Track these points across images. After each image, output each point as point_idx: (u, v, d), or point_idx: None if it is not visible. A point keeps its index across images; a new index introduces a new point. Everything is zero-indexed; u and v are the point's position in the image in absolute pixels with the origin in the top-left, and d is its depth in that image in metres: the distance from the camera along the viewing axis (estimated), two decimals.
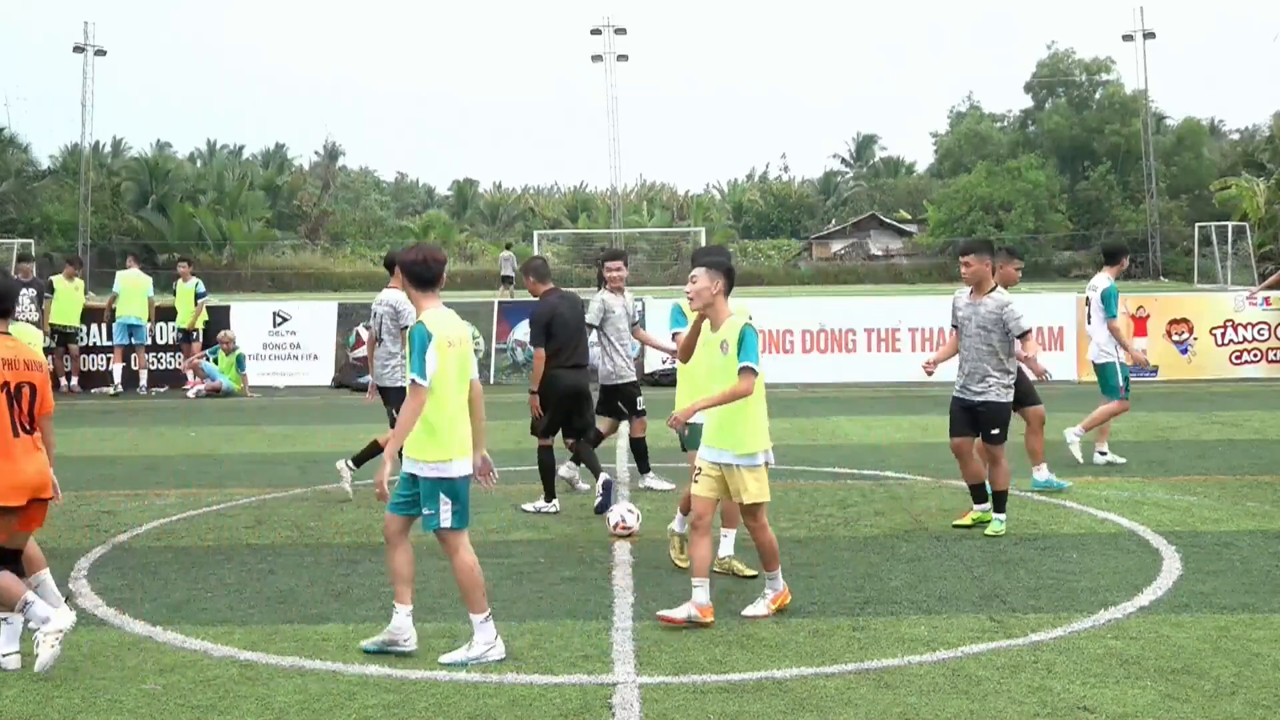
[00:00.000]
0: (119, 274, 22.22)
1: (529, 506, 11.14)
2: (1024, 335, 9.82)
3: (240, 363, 21.76)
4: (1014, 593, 8.14)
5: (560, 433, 11.24)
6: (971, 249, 10.18)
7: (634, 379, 12.07)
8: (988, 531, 9.84)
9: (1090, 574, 8.57)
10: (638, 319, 12.35)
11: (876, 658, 6.85)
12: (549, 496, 11.16)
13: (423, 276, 7.03)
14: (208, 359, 21.59)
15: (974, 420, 9.97)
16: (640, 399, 11.99)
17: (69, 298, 21.74)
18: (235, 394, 21.24)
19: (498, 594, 8.19)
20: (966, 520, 10.09)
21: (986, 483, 10.09)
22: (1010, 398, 10.01)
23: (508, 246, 62.94)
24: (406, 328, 10.83)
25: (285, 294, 60.70)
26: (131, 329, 21.55)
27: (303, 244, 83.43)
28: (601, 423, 11.83)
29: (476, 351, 22.48)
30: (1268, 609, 7.71)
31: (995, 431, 9.93)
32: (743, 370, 7.51)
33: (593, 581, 8.54)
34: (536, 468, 11.16)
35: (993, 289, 9.95)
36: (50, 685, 6.51)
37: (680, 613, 7.39)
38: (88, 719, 6.09)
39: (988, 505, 10.04)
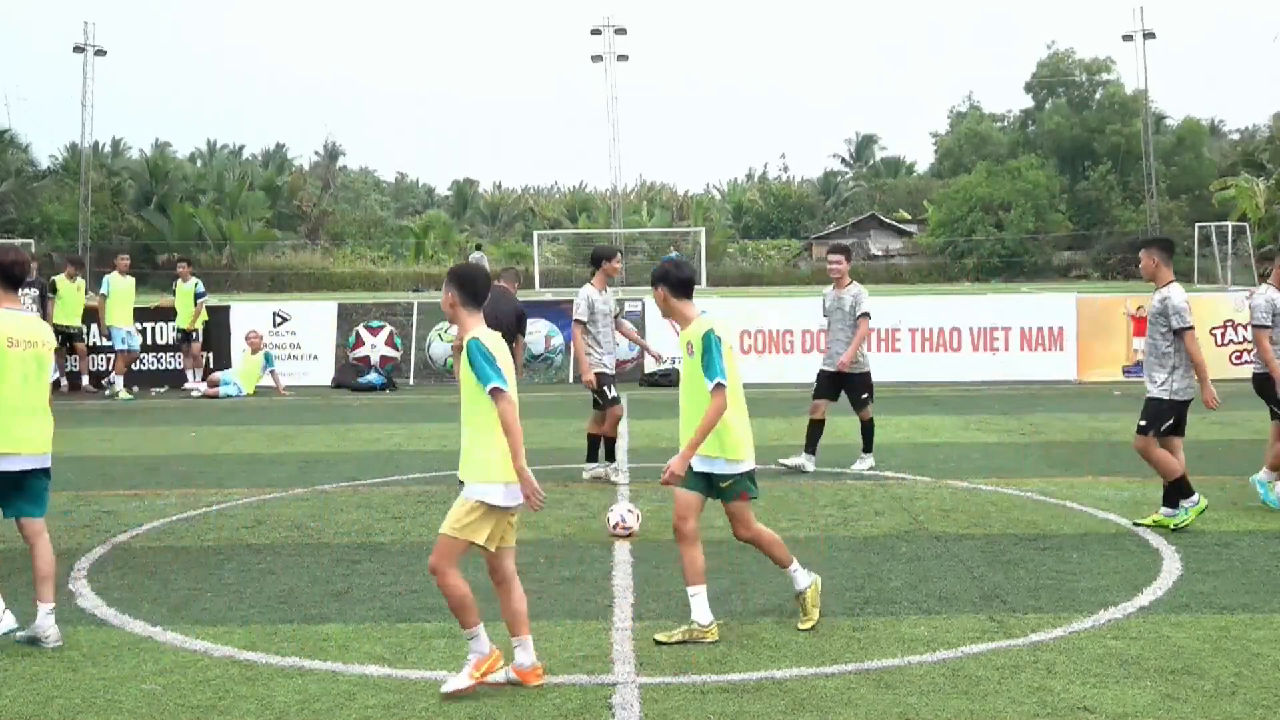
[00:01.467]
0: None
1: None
2: (1180, 332, 9.72)
3: (269, 360, 21.75)
4: (1014, 593, 8.14)
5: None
6: (1142, 244, 10.28)
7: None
8: (1146, 520, 9.97)
9: (1090, 574, 8.57)
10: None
11: (876, 658, 6.85)
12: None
13: (12, 276, 7.42)
14: (224, 385, 21.41)
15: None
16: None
17: (72, 298, 21.72)
18: (249, 396, 21.22)
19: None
20: (1147, 521, 10.06)
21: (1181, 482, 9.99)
22: (1165, 394, 9.82)
23: (477, 247, 62.99)
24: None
25: (285, 294, 60.71)
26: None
27: (303, 244, 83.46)
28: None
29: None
30: (1268, 609, 7.72)
31: (1143, 423, 9.99)
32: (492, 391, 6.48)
33: (592, 582, 8.54)
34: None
35: (1168, 283, 9.88)
36: (50, 685, 6.52)
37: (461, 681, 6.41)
38: (87, 719, 6.09)
39: (1173, 510, 9.96)
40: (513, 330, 12.17)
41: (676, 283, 7.37)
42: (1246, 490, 11.45)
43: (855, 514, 10.68)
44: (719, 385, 7.06)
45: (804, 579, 7.54)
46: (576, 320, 12.23)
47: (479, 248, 62.87)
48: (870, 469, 12.95)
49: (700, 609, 7.22)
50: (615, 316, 12.67)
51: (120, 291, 21.51)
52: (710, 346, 7.10)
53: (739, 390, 7.29)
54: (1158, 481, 11.93)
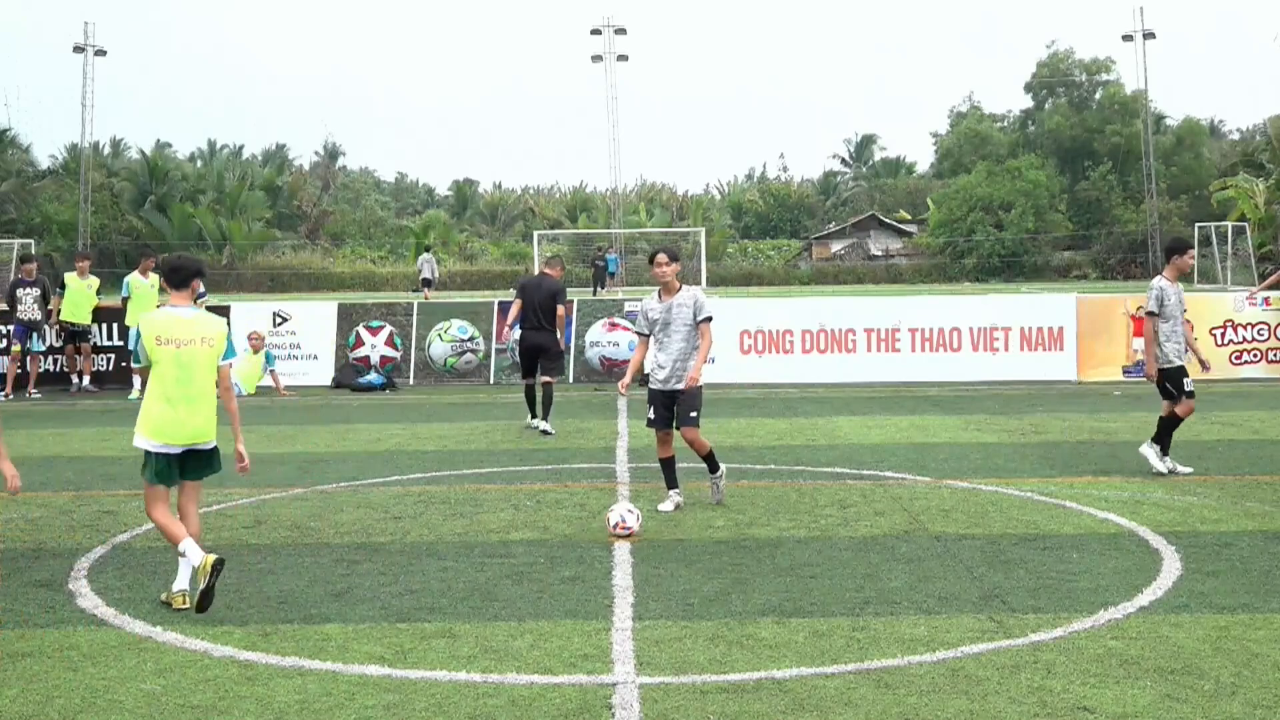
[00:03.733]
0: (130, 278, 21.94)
1: (535, 423, 16.08)
2: None
3: (269, 360, 21.72)
4: (1014, 593, 8.14)
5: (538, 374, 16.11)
6: None
7: None
8: None
9: (1090, 574, 8.57)
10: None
11: (876, 658, 6.84)
12: (532, 416, 16.29)
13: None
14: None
15: None
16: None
17: (81, 295, 21.60)
18: (249, 396, 21.18)
19: (498, 594, 8.21)
20: None
21: None
22: None
23: (427, 249, 63.40)
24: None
25: (285, 294, 60.73)
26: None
27: (302, 244, 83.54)
28: None
29: (469, 354, 22.50)
30: (1267, 609, 7.71)
31: None
32: None
33: (592, 582, 8.54)
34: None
35: None
36: (50, 685, 6.52)
37: None
38: (87, 719, 6.09)
39: None
40: (549, 304, 15.97)
41: (165, 271, 8.40)
42: (1246, 490, 11.47)
43: (855, 514, 10.68)
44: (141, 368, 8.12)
45: (181, 581, 7.93)
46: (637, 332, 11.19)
47: (428, 249, 63.43)
48: (1171, 471, 12.44)
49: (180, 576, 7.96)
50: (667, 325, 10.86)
51: (141, 294, 21.46)
52: (134, 337, 8.13)
53: (168, 379, 8.11)
54: (1157, 480, 11.97)
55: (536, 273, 16.68)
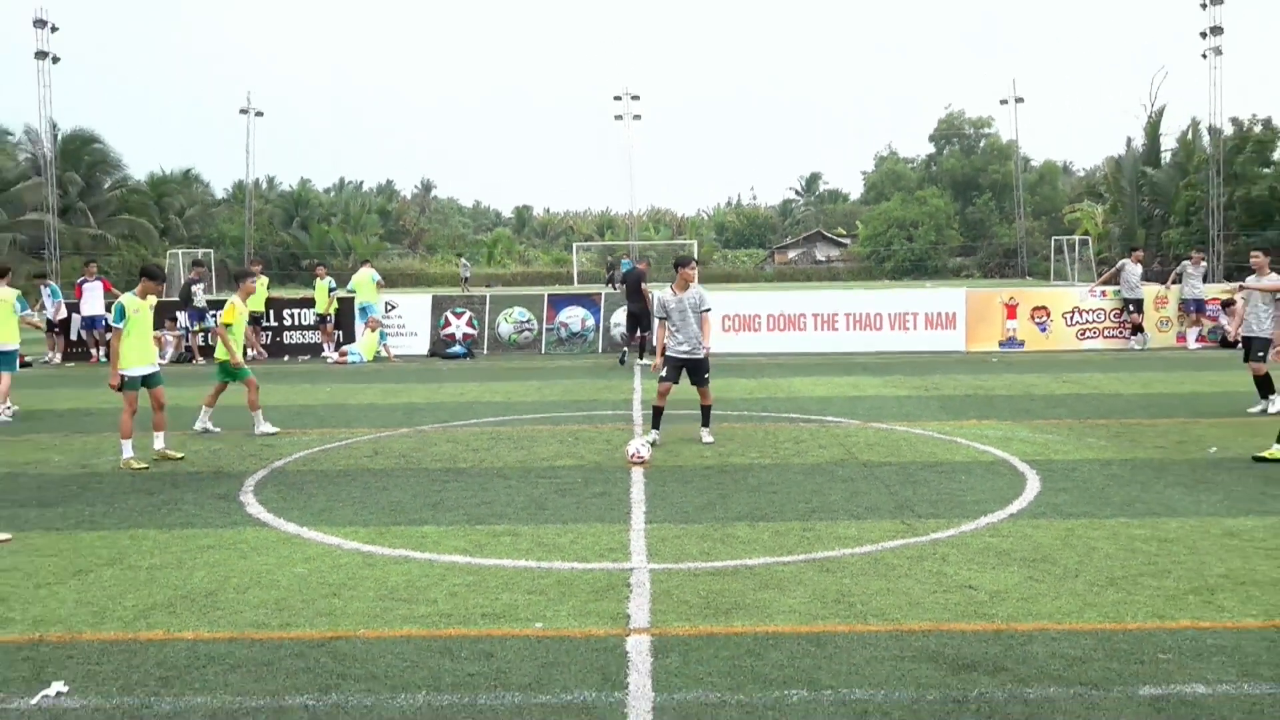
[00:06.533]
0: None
1: (641, 360, 19.05)
2: None
3: (383, 336, 21.93)
4: (919, 504, 8.13)
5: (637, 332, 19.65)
6: None
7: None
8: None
9: (974, 490, 8.55)
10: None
11: (820, 550, 6.85)
12: (638, 356, 19.52)
13: None
14: (350, 355, 21.39)
15: None
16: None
17: (261, 291, 21.86)
18: (368, 362, 21.20)
19: (548, 504, 8.22)
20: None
21: None
22: None
23: (460, 254, 63.39)
24: None
25: (393, 289, 60.35)
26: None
27: (406, 253, 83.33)
28: None
29: (526, 332, 22.43)
30: (1102, 515, 7.70)
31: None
32: None
33: (616, 496, 8.55)
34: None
35: None
36: (227, 569, 6.56)
37: None
38: (256, 593, 6.14)
39: None
40: (636, 286, 19.48)
41: None
42: (1087, 431, 11.42)
43: (805, 447, 10.65)
44: None
45: None
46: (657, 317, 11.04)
47: (461, 254, 63.33)
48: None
49: None
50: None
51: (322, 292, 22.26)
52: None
53: None
54: (1023, 423, 11.92)
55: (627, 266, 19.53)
